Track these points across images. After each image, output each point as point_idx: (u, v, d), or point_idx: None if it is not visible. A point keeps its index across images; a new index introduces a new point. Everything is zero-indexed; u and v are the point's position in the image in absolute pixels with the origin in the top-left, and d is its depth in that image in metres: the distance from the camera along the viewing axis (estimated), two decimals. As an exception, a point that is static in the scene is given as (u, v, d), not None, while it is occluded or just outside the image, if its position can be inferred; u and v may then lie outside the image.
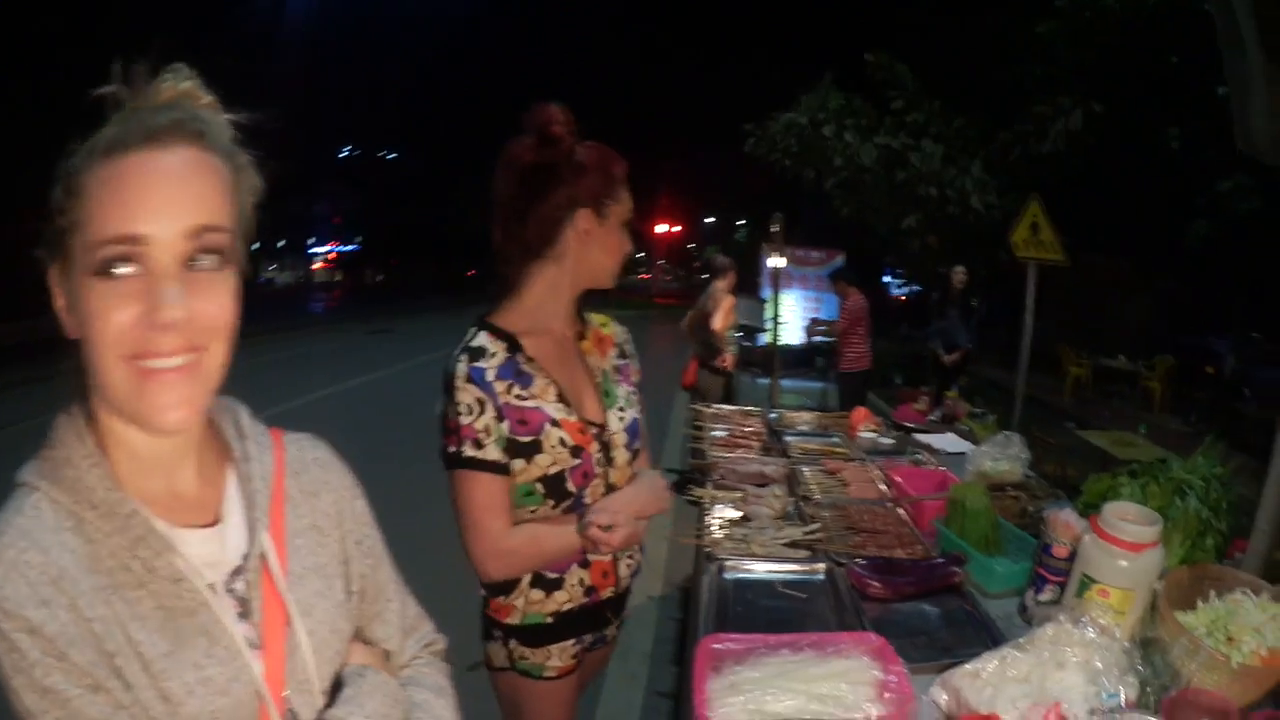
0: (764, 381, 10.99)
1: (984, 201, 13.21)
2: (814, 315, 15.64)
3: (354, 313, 34.36)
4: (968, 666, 1.89)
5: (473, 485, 2.12)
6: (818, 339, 12.26)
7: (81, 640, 1.04)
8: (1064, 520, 2.36)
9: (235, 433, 1.31)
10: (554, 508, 2.21)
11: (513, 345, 2.19)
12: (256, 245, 1.18)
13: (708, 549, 2.87)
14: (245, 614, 1.20)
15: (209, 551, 1.19)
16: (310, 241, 65.66)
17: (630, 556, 2.46)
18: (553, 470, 2.17)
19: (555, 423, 2.17)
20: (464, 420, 2.10)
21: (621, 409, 2.39)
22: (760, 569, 2.77)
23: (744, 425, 4.66)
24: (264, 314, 28.93)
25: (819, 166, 14.74)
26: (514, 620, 2.29)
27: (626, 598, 2.54)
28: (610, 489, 2.31)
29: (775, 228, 9.91)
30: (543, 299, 2.26)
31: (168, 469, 1.20)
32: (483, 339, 2.20)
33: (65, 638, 1.02)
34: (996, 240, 11.71)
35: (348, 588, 1.39)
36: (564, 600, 2.31)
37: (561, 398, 2.21)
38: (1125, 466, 2.80)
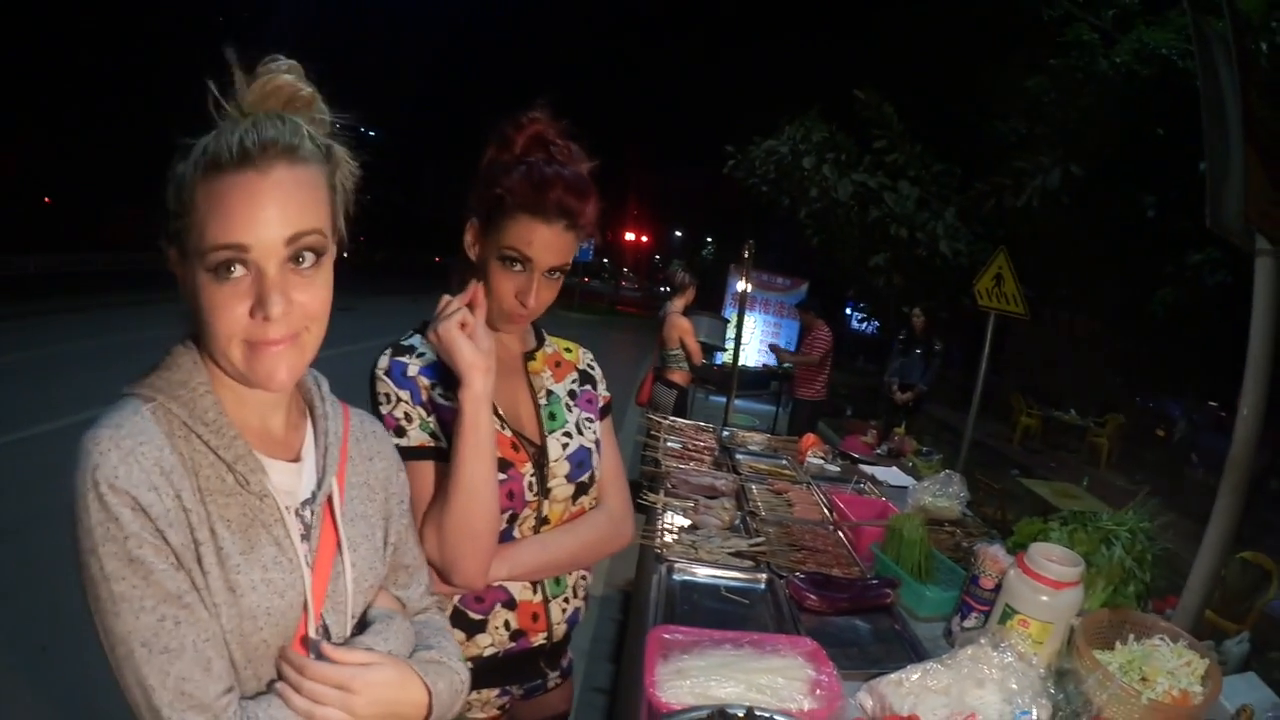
0: (718, 400, 11.09)
1: (953, 248, 13.33)
2: (773, 341, 15.73)
3: (316, 287, 34.15)
4: (892, 675, 2.01)
5: (410, 477, 1.85)
6: (786, 364, 12.26)
7: (179, 525, 1.23)
8: (992, 555, 2.51)
9: (318, 396, 1.54)
10: None
11: None
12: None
13: (659, 550, 3.00)
14: (306, 537, 1.41)
15: (288, 481, 1.41)
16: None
17: (565, 600, 2.21)
18: None
19: None
20: (383, 410, 1.96)
21: (568, 434, 2.18)
22: (706, 573, 2.91)
23: (696, 439, 4.81)
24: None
25: (794, 195, 14.82)
26: None
27: (565, 646, 2.31)
28: (542, 523, 2.12)
29: (746, 253, 9.99)
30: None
31: (263, 412, 1.42)
32: (415, 339, 2.07)
33: (166, 519, 1.21)
34: (961, 286, 11.84)
35: (386, 539, 1.62)
36: (486, 644, 2.09)
37: (492, 409, 1.95)
38: (1059, 514, 2.96)
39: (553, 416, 2.19)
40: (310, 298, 1.30)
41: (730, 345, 10.45)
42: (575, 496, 2.18)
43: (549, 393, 2.22)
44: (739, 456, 4.72)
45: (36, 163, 29.75)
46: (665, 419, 5.27)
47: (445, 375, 1.99)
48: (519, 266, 1.98)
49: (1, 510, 6.63)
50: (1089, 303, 17.51)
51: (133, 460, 1.20)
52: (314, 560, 1.42)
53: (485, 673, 2.09)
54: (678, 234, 70.71)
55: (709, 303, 14.62)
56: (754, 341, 16.98)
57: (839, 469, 4.72)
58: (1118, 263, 14.20)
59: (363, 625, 1.52)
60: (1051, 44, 12.21)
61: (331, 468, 1.48)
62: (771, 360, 13.51)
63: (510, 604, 2.11)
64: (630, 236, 66.19)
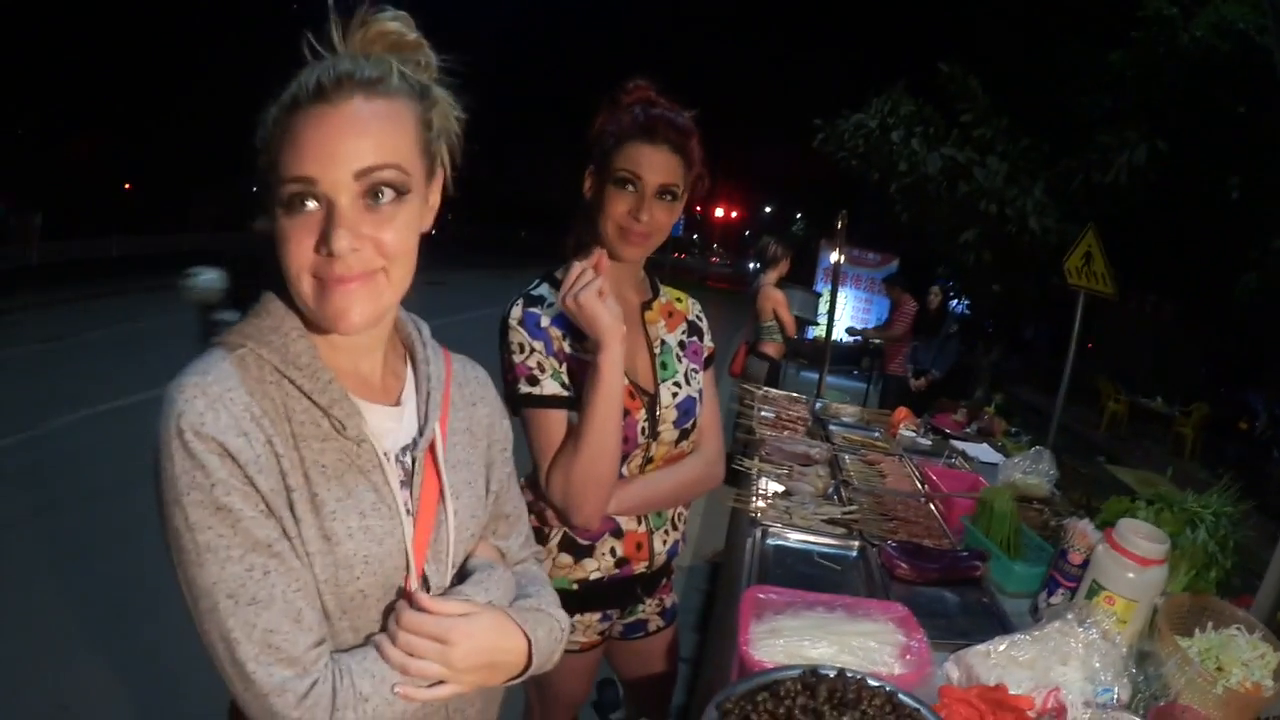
0: (809, 375, 11.06)
1: (1041, 225, 13.05)
2: (851, 325, 15.63)
3: (409, 264, 34.71)
4: (979, 647, 2.06)
5: (537, 423, 2.13)
6: (875, 340, 12.17)
7: (269, 470, 1.23)
8: (1081, 530, 2.52)
9: (419, 340, 1.56)
10: None
11: None
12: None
13: (753, 514, 3.07)
14: (407, 484, 1.42)
15: (388, 426, 1.41)
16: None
17: (666, 531, 2.42)
18: None
19: None
20: (516, 359, 2.12)
21: (677, 384, 2.36)
22: (799, 539, 2.98)
23: (790, 410, 4.85)
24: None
25: (883, 170, 14.60)
26: None
27: (663, 577, 2.54)
28: (647, 462, 2.32)
29: (840, 225, 9.92)
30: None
31: (356, 356, 1.41)
32: (544, 289, 2.22)
33: (255, 465, 1.21)
34: (1050, 265, 11.63)
35: (488, 487, 1.63)
36: (592, 569, 2.29)
37: None
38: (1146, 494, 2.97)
39: (664, 366, 2.37)
40: (390, 236, 1.27)
41: (823, 320, 10.42)
42: (678, 441, 2.37)
43: (662, 343, 2.40)
44: (832, 427, 4.77)
45: (116, 149, 30.07)
46: (759, 389, 5.33)
47: (574, 327, 2.14)
48: (630, 186, 2.14)
49: (93, 475, 7.03)
50: (1174, 286, 17.17)
51: (220, 406, 1.20)
52: (416, 508, 1.42)
53: (589, 596, 2.30)
54: (767, 209, 70.30)
55: (799, 278, 14.55)
56: (845, 317, 16.92)
57: (930, 443, 4.75)
58: (1204, 244, 13.89)
59: (462, 576, 1.52)
60: (1132, 17, 11.93)
61: (434, 413, 1.49)
62: (860, 337, 13.44)
63: (618, 533, 2.31)
64: (719, 212, 66.03)
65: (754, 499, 3.23)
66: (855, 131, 14.50)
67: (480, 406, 1.66)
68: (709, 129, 2.31)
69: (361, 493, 1.33)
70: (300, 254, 1.24)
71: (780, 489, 3.39)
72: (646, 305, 2.42)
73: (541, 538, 2.26)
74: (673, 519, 2.46)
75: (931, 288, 11.36)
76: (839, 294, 11.76)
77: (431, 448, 1.48)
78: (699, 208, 60.89)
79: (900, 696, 1.70)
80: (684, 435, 2.38)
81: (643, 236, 2.19)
